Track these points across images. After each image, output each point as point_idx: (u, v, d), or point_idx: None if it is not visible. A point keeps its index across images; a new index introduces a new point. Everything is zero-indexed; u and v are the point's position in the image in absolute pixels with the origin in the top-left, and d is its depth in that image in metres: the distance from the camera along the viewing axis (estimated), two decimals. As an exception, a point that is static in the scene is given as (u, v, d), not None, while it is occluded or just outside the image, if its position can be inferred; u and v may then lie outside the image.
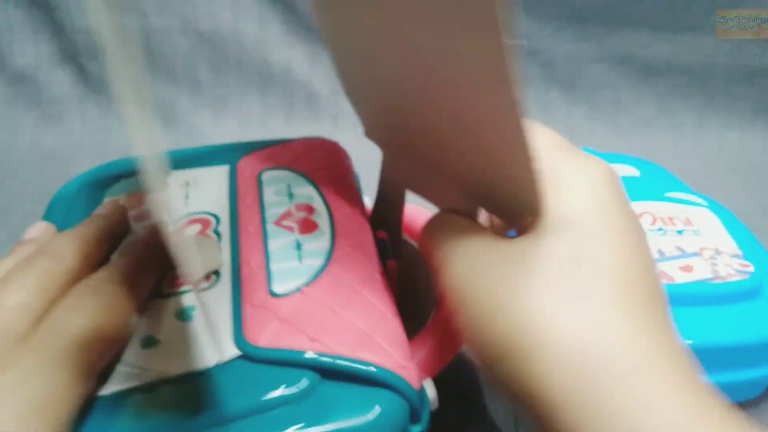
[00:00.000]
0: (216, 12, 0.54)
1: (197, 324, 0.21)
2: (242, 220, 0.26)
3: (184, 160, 0.30)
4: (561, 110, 0.60)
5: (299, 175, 0.28)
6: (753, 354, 0.29)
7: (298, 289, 0.22)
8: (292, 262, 0.23)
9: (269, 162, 0.29)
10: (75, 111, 0.56)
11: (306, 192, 0.27)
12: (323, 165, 0.29)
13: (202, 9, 0.54)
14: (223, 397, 0.19)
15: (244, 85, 0.57)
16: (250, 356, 0.20)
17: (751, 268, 0.31)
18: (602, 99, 0.60)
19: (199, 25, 0.54)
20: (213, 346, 0.20)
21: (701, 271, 0.31)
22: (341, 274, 0.23)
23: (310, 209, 0.26)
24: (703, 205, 0.36)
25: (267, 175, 0.28)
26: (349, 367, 0.19)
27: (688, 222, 0.34)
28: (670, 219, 0.35)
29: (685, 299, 0.29)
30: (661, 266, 0.31)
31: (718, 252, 0.32)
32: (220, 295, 0.23)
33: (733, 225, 0.36)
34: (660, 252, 0.32)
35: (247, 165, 0.29)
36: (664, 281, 0.30)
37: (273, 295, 0.22)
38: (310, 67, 0.57)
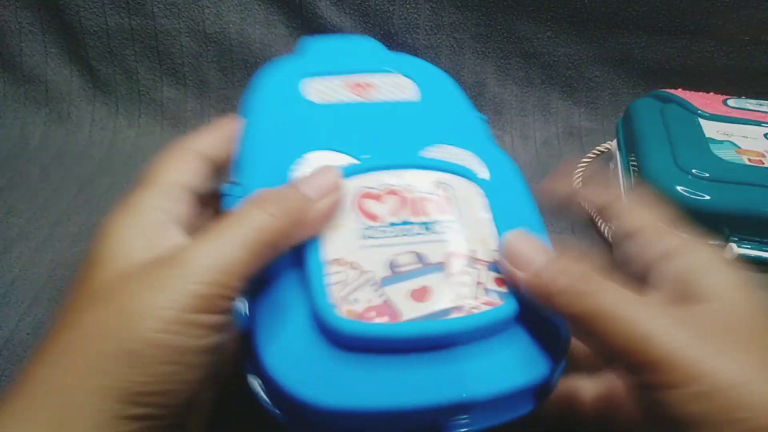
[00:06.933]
0: (223, 14, 0.55)
1: None
2: None
3: None
4: (561, 112, 0.61)
5: None
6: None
7: None
8: None
9: None
10: (84, 110, 0.57)
11: None
12: None
13: (210, 11, 0.55)
14: None
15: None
16: None
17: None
18: (602, 101, 0.61)
19: (206, 27, 0.55)
20: None
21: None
22: None
23: None
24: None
25: None
26: None
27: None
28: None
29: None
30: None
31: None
32: None
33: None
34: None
35: None
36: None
37: None
38: (315, 68, 0.58)
